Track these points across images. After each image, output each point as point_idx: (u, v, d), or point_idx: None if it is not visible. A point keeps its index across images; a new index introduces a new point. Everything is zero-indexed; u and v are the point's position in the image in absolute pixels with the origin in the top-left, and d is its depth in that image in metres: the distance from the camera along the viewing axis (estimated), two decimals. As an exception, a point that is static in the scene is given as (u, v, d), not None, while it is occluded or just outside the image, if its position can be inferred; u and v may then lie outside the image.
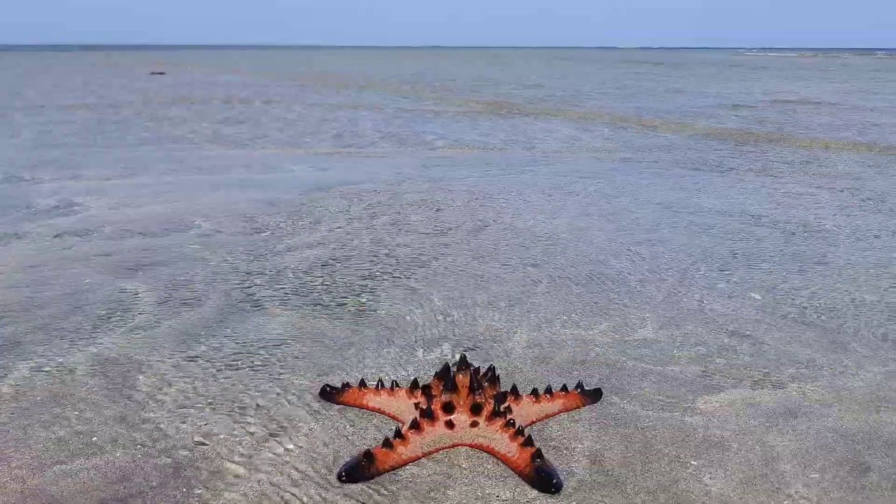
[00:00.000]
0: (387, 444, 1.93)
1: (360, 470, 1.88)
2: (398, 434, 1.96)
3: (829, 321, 3.10)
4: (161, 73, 26.45)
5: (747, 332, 2.97)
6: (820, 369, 2.64)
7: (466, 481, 1.90)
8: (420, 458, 1.96)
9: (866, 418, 2.27)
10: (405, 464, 1.94)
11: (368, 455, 1.90)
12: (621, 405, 2.34)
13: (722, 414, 2.30)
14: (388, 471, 1.90)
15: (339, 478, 1.88)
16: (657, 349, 2.79)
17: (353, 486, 1.85)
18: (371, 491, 1.84)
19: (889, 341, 2.89)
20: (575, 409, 2.29)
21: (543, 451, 1.98)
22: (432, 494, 1.84)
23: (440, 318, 3.07)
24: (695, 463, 2.02)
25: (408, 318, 3.08)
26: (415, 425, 1.98)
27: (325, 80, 23.18)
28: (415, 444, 1.96)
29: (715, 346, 2.84)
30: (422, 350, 2.76)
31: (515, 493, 1.85)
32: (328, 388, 2.32)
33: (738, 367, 2.65)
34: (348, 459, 1.95)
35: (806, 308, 3.26)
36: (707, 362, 2.69)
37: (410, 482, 1.88)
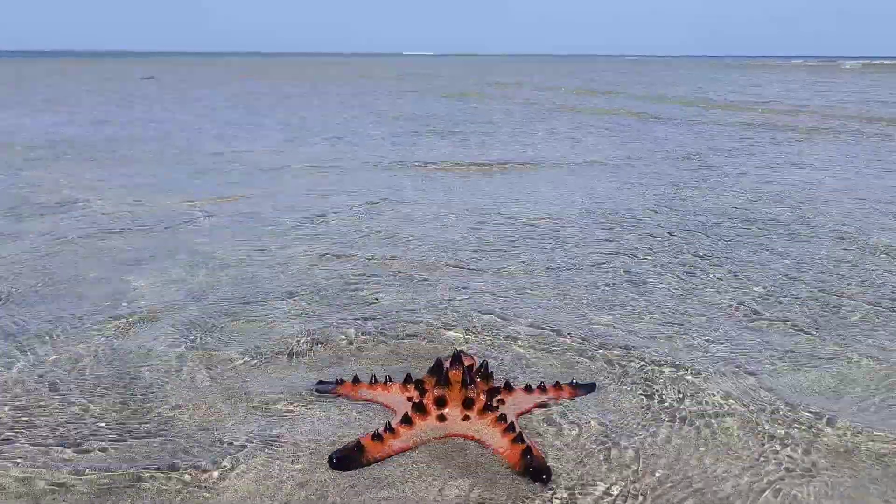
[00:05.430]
0: (377, 436, 1.96)
1: (350, 458, 1.92)
2: (388, 428, 2.00)
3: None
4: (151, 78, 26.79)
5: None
6: (821, 359, 2.66)
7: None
8: (412, 448, 1.99)
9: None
10: (396, 453, 1.97)
11: (359, 446, 1.94)
12: (620, 394, 2.37)
13: (723, 402, 2.32)
14: (378, 460, 1.94)
15: (330, 463, 1.92)
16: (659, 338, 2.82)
17: (354, 474, 1.88)
18: (374, 479, 1.87)
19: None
20: (568, 398, 2.31)
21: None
22: (435, 484, 1.87)
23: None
24: (702, 449, 2.04)
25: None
26: (406, 420, 2.02)
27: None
28: (405, 437, 2.00)
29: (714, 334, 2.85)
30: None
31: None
32: (322, 384, 2.36)
33: (741, 355, 2.68)
34: (341, 447, 1.98)
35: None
36: (707, 351, 2.71)
37: (414, 472, 1.92)
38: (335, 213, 5.07)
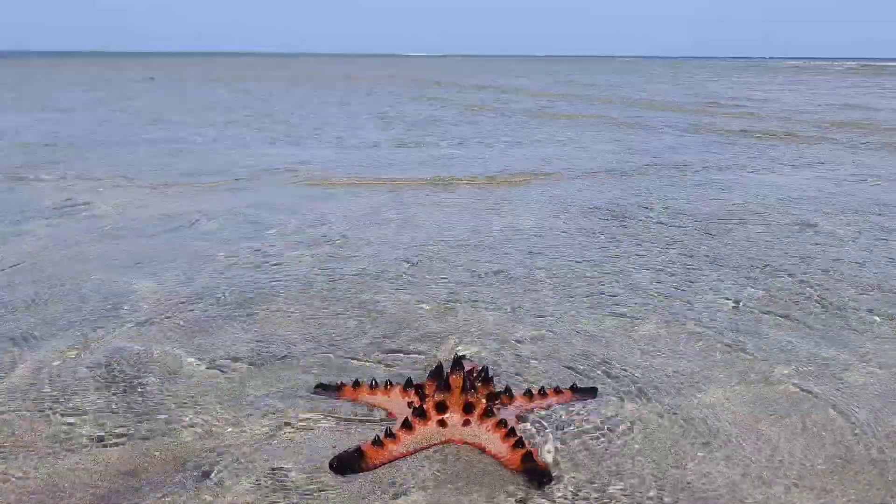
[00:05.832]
0: (377, 442, 1.97)
1: (350, 464, 1.93)
2: (389, 433, 2.00)
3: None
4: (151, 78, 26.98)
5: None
6: (821, 364, 2.67)
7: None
8: (412, 453, 2.00)
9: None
10: (396, 459, 1.97)
11: (359, 451, 1.94)
12: (624, 397, 2.38)
13: (727, 407, 2.33)
14: (377, 466, 1.94)
15: (331, 467, 1.92)
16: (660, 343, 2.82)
17: (356, 479, 1.89)
18: (379, 481, 1.88)
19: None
20: (569, 403, 2.31)
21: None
22: (442, 489, 1.87)
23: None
24: (701, 455, 2.05)
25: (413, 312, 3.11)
26: (406, 425, 2.02)
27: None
28: (405, 442, 2.00)
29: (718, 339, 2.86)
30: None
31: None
32: (322, 387, 2.36)
33: (742, 360, 2.68)
34: (343, 451, 1.99)
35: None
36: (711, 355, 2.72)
37: (417, 473, 1.92)
38: (337, 215, 5.08)
